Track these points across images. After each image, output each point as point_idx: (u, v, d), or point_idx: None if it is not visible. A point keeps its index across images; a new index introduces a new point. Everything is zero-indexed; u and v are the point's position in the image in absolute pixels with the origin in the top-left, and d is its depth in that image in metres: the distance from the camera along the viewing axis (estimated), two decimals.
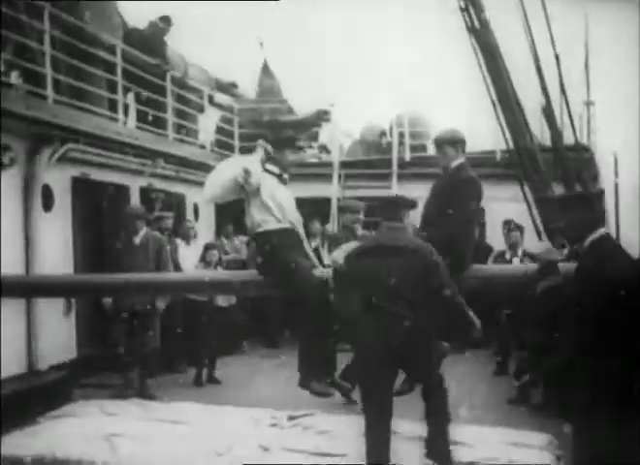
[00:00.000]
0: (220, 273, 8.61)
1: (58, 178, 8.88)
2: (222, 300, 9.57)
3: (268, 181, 5.73)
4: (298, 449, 6.10)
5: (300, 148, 12.26)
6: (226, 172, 5.76)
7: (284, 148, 5.89)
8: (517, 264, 8.79)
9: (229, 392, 8.61)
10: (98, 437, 6.42)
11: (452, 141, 5.70)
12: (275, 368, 9.90)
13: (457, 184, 5.58)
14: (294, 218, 5.80)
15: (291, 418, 6.82)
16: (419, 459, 5.54)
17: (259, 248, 5.85)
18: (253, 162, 5.81)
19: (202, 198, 7.71)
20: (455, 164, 5.65)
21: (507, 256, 9.22)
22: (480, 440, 6.03)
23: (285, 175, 5.85)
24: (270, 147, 5.84)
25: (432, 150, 13.55)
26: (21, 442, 6.34)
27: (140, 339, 8.40)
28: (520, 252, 9.15)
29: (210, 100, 12.99)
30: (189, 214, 11.96)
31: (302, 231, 5.87)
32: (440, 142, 5.77)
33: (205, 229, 12.03)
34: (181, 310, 9.54)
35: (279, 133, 11.17)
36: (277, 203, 5.68)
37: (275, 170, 5.80)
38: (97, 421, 6.93)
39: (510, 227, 9.46)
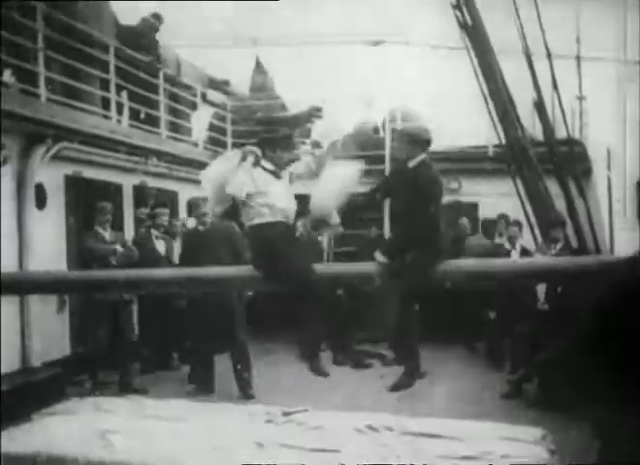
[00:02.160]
0: (215, 269, 8.60)
1: (51, 176, 8.90)
2: None
3: (260, 178, 5.75)
4: (292, 444, 6.11)
5: (293, 146, 12.28)
6: (214, 188, 5.83)
7: (278, 147, 5.90)
8: (506, 260, 8.87)
9: (223, 389, 8.62)
10: (93, 434, 6.41)
11: (412, 139, 5.67)
12: (269, 364, 9.93)
13: (419, 183, 5.56)
14: (291, 212, 5.83)
15: (285, 413, 6.83)
16: (419, 459, 5.57)
17: (251, 242, 5.88)
18: (241, 164, 5.83)
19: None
20: (414, 162, 5.64)
21: (507, 246, 9.38)
22: (474, 434, 6.03)
23: (280, 171, 5.88)
24: (259, 153, 5.85)
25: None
26: (16, 438, 6.33)
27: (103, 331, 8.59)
28: (518, 246, 9.27)
29: (203, 97, 13.01)
30: (182, 211, 11.98)
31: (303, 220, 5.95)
32: (401, 135, 5.80)
33: None
34: (174, 305, 9.54)
35: (272, 129, 11.17)
36: (271, 200, 5.71)
37: (270, 167, 5.82)
38: (92, 418, 6.91)
39: (509, 221, 9.63)
